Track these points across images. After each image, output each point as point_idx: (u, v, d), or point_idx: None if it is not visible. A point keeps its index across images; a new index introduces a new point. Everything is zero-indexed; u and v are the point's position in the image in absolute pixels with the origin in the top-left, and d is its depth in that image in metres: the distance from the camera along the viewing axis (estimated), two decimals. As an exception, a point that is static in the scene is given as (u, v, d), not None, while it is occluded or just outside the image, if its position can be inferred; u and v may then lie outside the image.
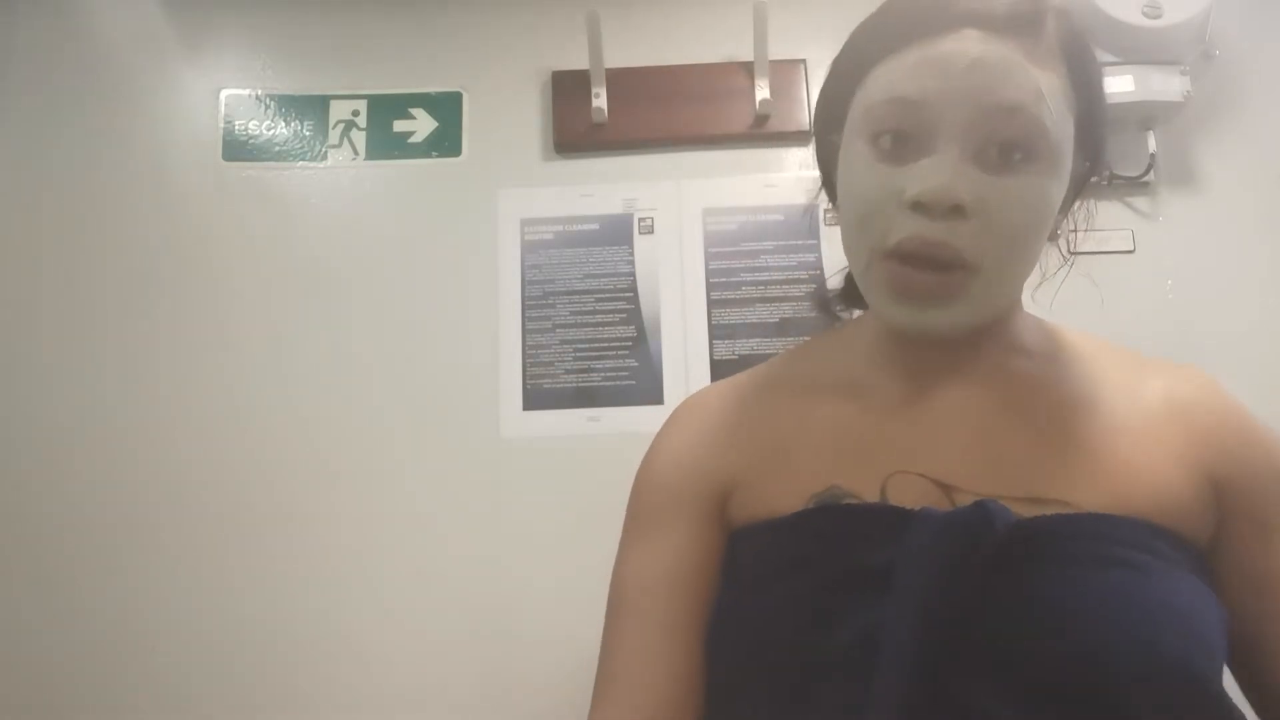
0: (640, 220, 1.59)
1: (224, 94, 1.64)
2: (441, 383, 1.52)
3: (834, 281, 0.81)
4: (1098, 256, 1.58)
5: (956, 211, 0.59)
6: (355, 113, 1.63)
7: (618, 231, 1.58)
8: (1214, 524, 0.64)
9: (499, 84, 1.65)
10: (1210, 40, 1.53)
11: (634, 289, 1.56)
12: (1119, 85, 1.51)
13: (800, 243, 1.57)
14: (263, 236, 1.58)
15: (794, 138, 1.62)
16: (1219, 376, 1.66)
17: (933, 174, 0.59)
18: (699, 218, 1.58)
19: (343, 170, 1.62)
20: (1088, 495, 0.60)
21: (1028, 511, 0.58)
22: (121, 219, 1.57)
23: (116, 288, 1.55)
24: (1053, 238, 0.71)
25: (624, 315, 1.55)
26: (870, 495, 0.62)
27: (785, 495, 0.64)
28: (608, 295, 1.55)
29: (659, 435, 0.77)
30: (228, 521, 1.46)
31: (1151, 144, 1.55)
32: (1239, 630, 0.62)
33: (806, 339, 0.81)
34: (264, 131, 1.62)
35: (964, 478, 0.62)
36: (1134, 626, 0.54)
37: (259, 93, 1.64)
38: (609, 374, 1.52)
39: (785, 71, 1.63)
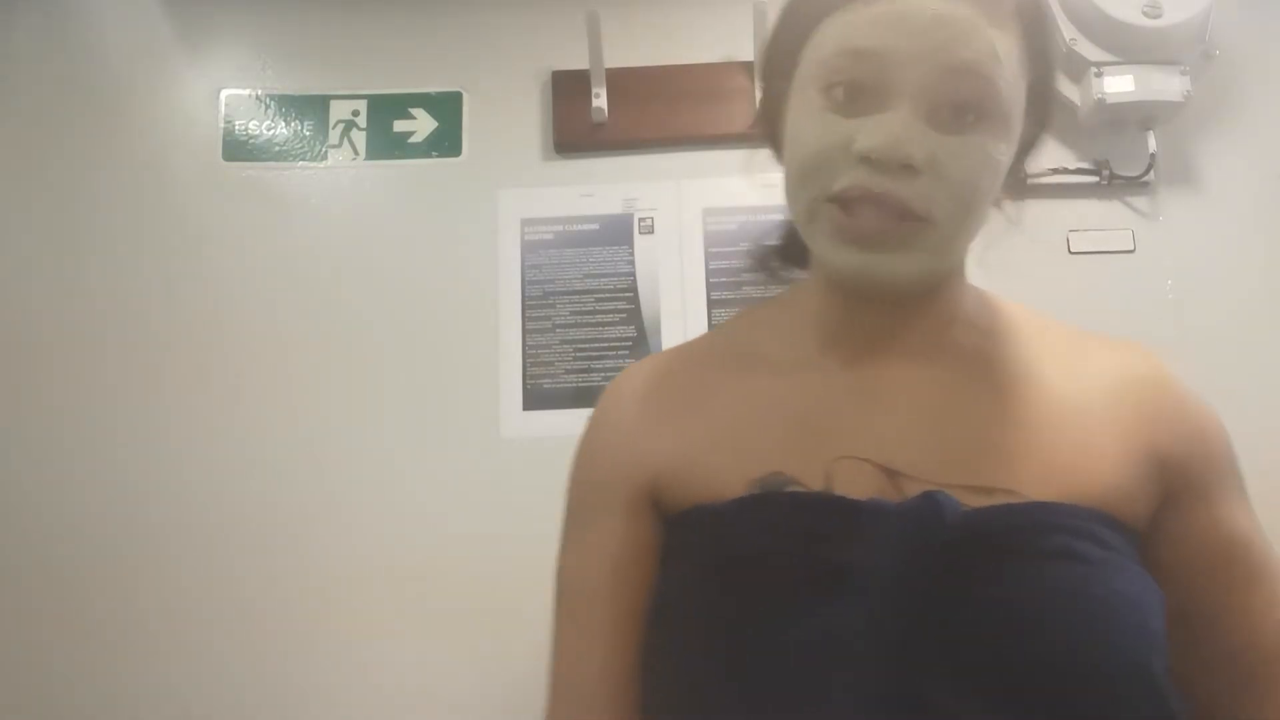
0: (640, 220, 1.59)
1: (224, 94, 1.64)
2: (441, 382, 1.52)
3: (773, 239, 0.79)
4: (1098, 256, 1.58)
5: (906, 169, 0.58)
6: (355, 113, 1.63)
7: (618, 231, 1.58)
8: (1156, 503, 0.64)
9: (499, 84, 1.65)
10: (1210, 40, 1.53)
11: (634, 289, 1.56)
12: (1119, 85, 1.51)
13: (800, 243, 1.57)
14: (263, 236, 1.58)
15: (794, 138, 1.62)
16: (1218, 376, 1.67)
17: (884, 129, 0.58)
18: (699, 218, 1.58)
19: (343, 170, 1.62)
20: (1035, 483, 0.59)
21: (975, 501, 0.57)
22: (121, 219, 1.57)
23: (116, 287, 1.55)
24: (996, 201, 0.70)
25: (624, 315, 1.55)
26: (814, 481, 0.60)
27: (724, 479, 0.62)
28: (608, 295, 1.55)
29: (590, 421, 0.74)
30: (226, 521, 1.46)
31: (1151, 144, 1.55)
32: (1189, 601, 0.62)
33: (744, 309, 0.78)
34: (264, 131, 1.62)
35: (910, 464, 0.60)
36: (1085, 620, 0.54)
37: (259, 93, 1.64)
38: (609, 374, 1.52)
39: (785, 71, 1.63)
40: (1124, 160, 1.58)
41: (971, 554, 0.55)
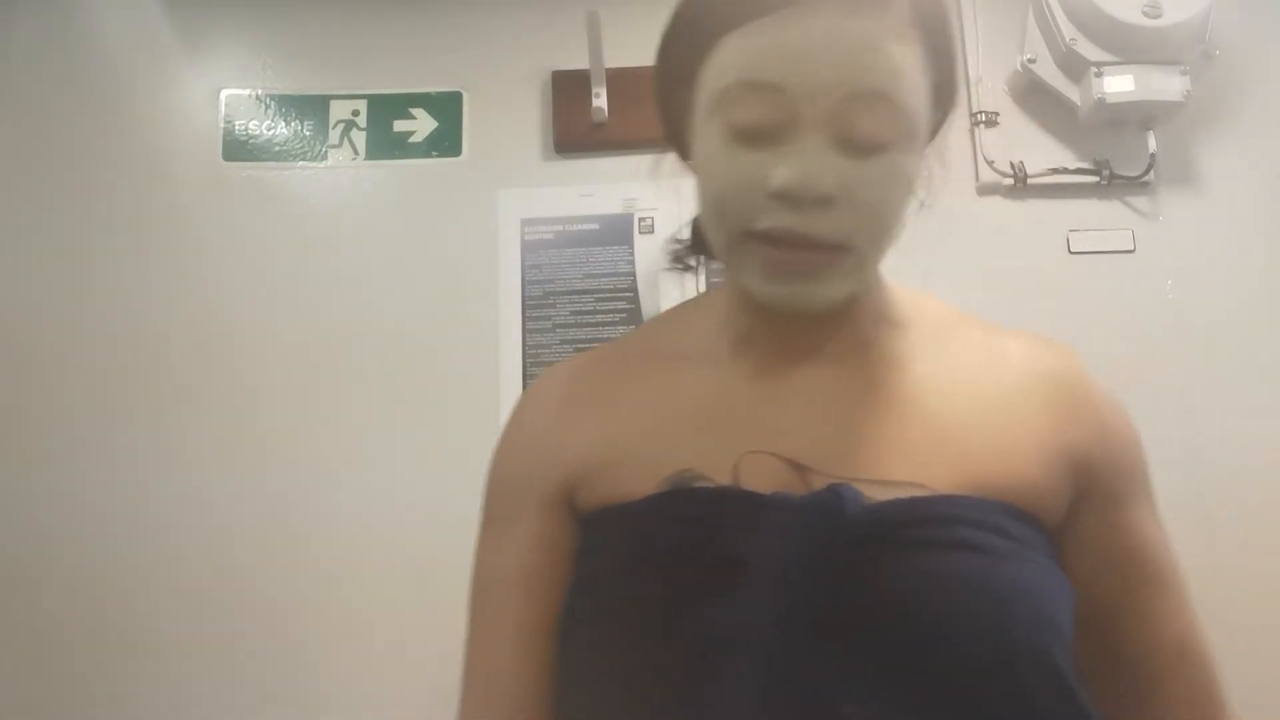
0: (640, 220, 1.59)
1: (224, 94, 1.64)
2: (442, 382, 1.52)
3: (684, 232, 0.80)
4: (1098, 256, 1.58)
5: (823, 201, 0.58)
6: (355, 113, 1.63)
7: (618, 231, 1.58)
8: (1069, 500, 0.64)
9: (499, 84, 1.65)
10: (1210, 40, 1.53)
11: (634, 289, 1.56)
12: (1119, 85, 1.51)
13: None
14: (263, 236, 1.58)
15: (794, 138, 1.62)
16: (1218, 377, 1.67)
17: (796, 164, 0.57)
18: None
19: (343, 170, 1.62)
20: (941, 476, 0.59)
21: (881, 494, 0.57)
22: (122, 219, 1.57)
23: (117, 287, 1.55)
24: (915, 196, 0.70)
25: (624, 315, 1.55)
26: (722, 477, 0.60)
27: (636, 478, 0.62)
28: (608, 295, 1.55)
29: (508, 423, 0.74)
30: (227, 517, 1.46)
31: (1151, 144, 1.55)
32: (1094, 604, 0.62)
33: (662, 312, 0.79)
34: (264, 131, 1.62)
35: (817, 458, 0.60)
36: (985, 612, 0.54)
37: (259, 93, 1.64)
38: (609, 374, 1.52)
39: (785, 71, 1.63)
40: (1124, 160, 1.58)
41: (872, 546, 0.55)
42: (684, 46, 0.65)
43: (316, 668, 1.41)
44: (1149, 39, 1.49)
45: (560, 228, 1.58)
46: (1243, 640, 1.44)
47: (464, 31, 1.66)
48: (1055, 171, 1.59)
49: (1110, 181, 1.59)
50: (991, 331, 0.71)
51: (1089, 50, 1.52)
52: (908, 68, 0.59)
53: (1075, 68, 1.55)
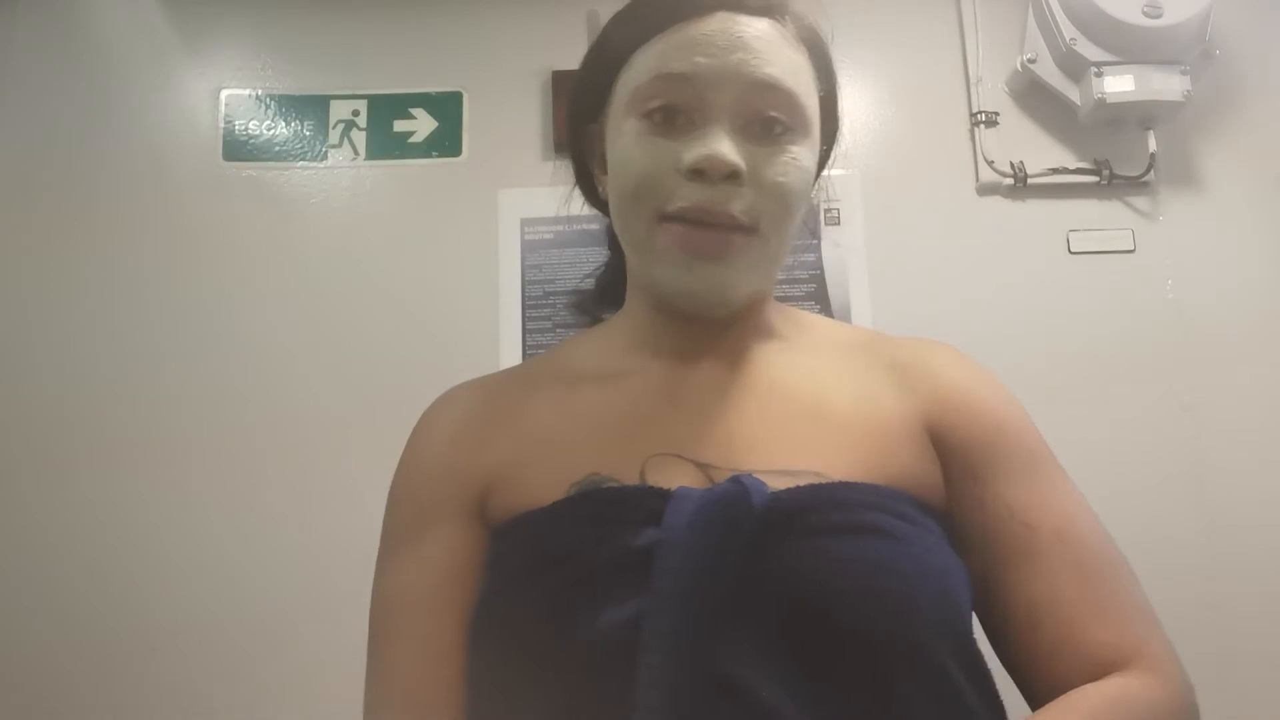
0: (640, 220, 1.58)
1: (224, 94, 1.64)
2: (442, 382, 1.51)
3: (587, 284, 0.84)
4: (1098, 256, 1.58)
5: (733, 177, 0.62)
6: (355, 113, 1.63)
7: (618, 231, 1.58)
8: (942, 480, 0.66)
9: (499, 84, 1.65)
10: (1210, 40, 1.53)
11: (634, 289, 1.56)
12: (1119, 85, 1.51)
13: (800, 242, 1.57)
14: (263, 236, 1.58)
15: (794, 138, 1.62)
16: (1219, 375, 1.67)
17: (707, 144, 0.62)
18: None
19: (343, 170, 1.62)
20: (837, 465, 0.61)
21: (782, 484, 0.59)
22: (121, 219, 1.57)
23: (116, 287, 1.55)
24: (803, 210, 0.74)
25: (624, 315, 1.55)
26: (630, 478, 0.62)
27: (545, 486, 0.63)
28: (608, 295, 1.55)
29: (410, 442, 0.75)
30: (225, 519, 1.46)
31: (1151, 144, 1.55)
32: (976, 582, 0.63)
33: (565, 340, 0.82)
34: (264, 131, 1.62)
35: (721, 456, 0.63)
36: (892, 593, 0.55)
37: (259, 93, 1.64)
38: (609, 374, 1.52)
39: (785, 71, 1.63)
40: (1124, 160, 1.58)
41: (778, 533, 0.57)
42: (599, 67, 0.70)
43: (318, 670, 1.41)
44: (1149, 39, 1.49)
45: (560, 228, 1.58)
46: (1243, 640, 1.44)
47: (464, 31, 1.66)
48: (1055, 171, 1.59)
49: (1110, 181, 1.59)
50: (870, 335, 0.76)
51: (1089, 50, 1.52)
52: (802, 70, 0.66)
53: (1075, 68, 1.55)
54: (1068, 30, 1.53)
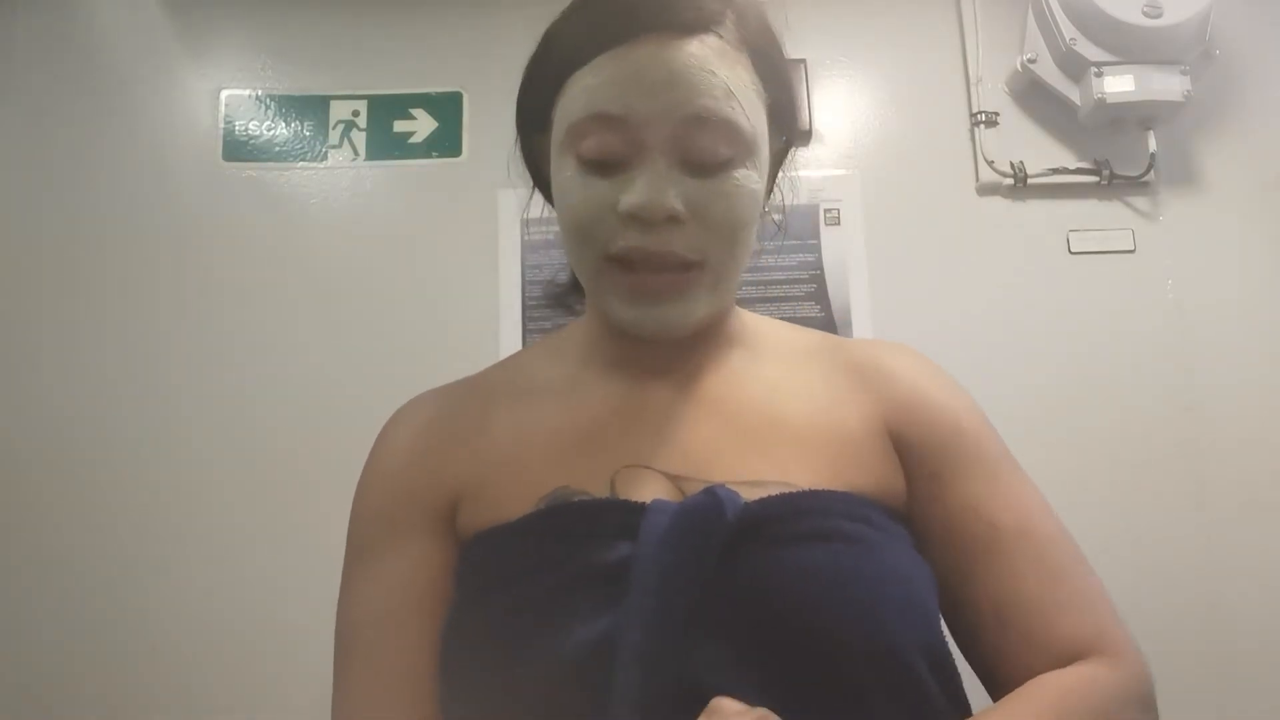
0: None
1: (224, 94, 1.64)
2: (442, 383, 1.51)
3: (564, 276, 0.84)
4: (1098, 256, 1.58)
5: (672, 220, 0.62)
6: (355, 113, 1.63)
7: (618, 231, 1.58)
8: (904, 482, 0.66)
9: (499, 84, 1.63)
10: (1210, 40, 1.53)
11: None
12: (1119, 85, 1.51)
13: (800, 243, 1.57)
14: (263, 237, 1.58)
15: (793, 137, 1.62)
16: (1219, 376, 1.67)
17: (644, 186, 0.61)
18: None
19: (343, 170, 1.62)
20: (803, 473, 0.62)
21: (753, 494, 0.59)
22: (122, 219, 1.57)
23: (116, 287, 1.55)
24: (760, 215, 0.74)
25: (624, 315, 1.54)
26: (600, 491, 0.62)
27: (514, 499, 0.63)
28: (608, 295, 1.55)
29: (370, 456, 0.75)
30: (225, 520, 1.46)
31: (1151, 144, 1.55)
32: (942, 584, 0.63)
33: (519, 350, 0.82)
34: (264, 132, 1.62)
35: (689, 468, 0.63)
36: (861, 600, 0.56)
37: (259, 93, 1.64)
38: (609, 374, 1.52)
39: (785, 71, 1.63)
40: (1124, 160, 1.58)
41: (751, 543, 0.57)
42: (536, 89, 0.70)
43: (318, 672, 1.41)
44: (1149, 39, 1.49)
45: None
46: (1243, 640, 1.44)
47: (464, 31, 1.66)
48: (1055, 171, 1.59)
49: (1110, 181, 1.59)
50: (830, 341, 0.76)
51: (1089, 50, 1.52)
52: (740, 88, 0.64)
53: (1075, 68, 1.55)
54: (1068, 30, 1.53)
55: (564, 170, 0.66)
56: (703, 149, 0.62)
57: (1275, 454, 1.50)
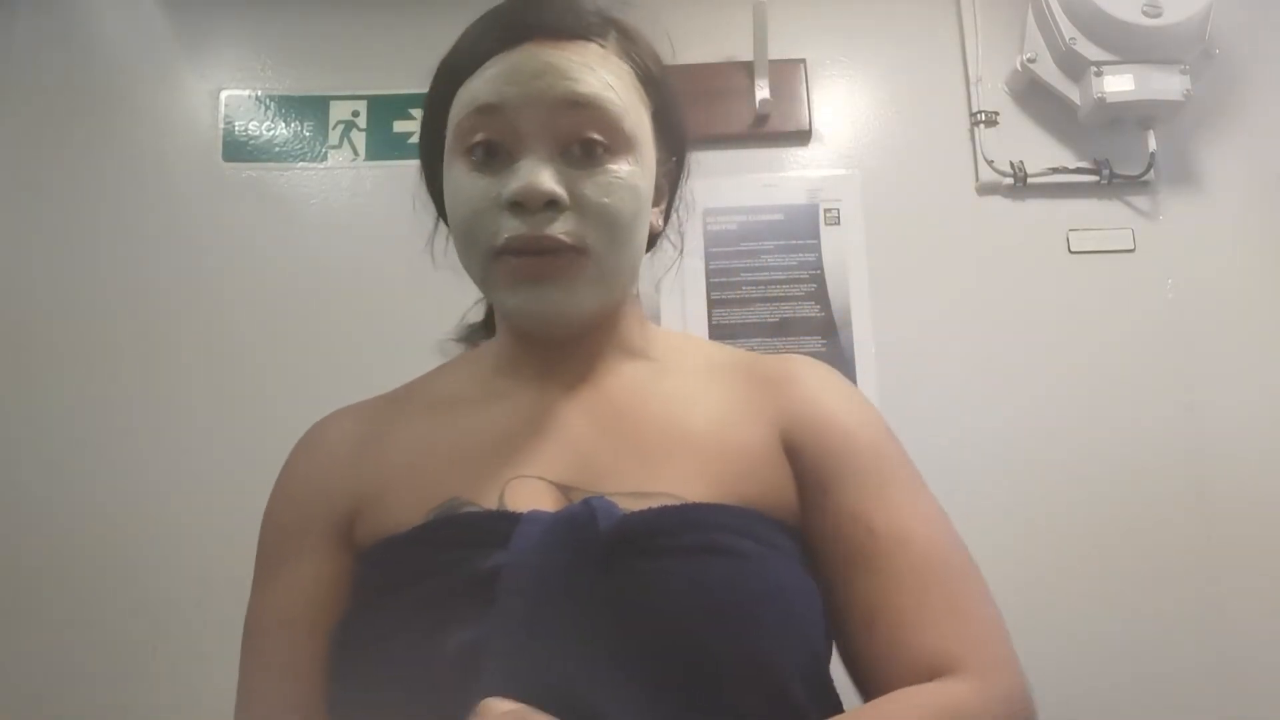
0: (640, 220, 1.59)
1: (224, 94, 1.64)
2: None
3: (473, 315, 0.87)
4: (1098, 256, 1.58)
5: (553, 205, 0.63)
6: (355, 113, 1.63)
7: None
8: (796, 492, 0.66)
9: (499, 84, 1.64)
10: (1210, 39, 1.54)
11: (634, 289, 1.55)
12: (1119, 84, 1.51)
13: (800, 242, 1.57)
14: (263, 237, 1.58)
15: (794, 137, 1.62)
16: (1218, 376, 1.66)
17: (524, 173, 0.63)
18: (699, 218, 1.58)
19: (343, 171, 1.62)
20: (693, 486, 0.62)
21: (635, 506, 0.59)
22: (122, 219, 1.57)
23: (116, 287, 1.55)
24: (657, 230, 0.76)
25: (624, 315, 1.54)
26: (489, 502, 0.63)
27: (407, 510, 0.64)
28: (608, 295, 1.55)
29: (284, 468, 0.78)
30: (225, 519, 1.46)
31: (1151, 143, 1.55)
32: (831, 596, 0.63)
33: (445, 362, 0.84)
34: (264, 132, 1.62)
35: (581, 479, 0.63)
36: (736, 614, 0.56)
37: (259, 93, 1.64)
38: (609, 374, 1.52)
39: (785, 71, 1.63)
40: (1124, 160, 1.58)
41: (625, 555, 0.57)
42: (431, 119, 0.73)
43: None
44: (1149, 38, 1.49)
45: (560, 228, 1.58)
46: (1243, 640, 1.44)
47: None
48: (1055, 171, 1.60)
49: (1110, 181, 1.59)
50: (730, 354, 0.76)
51: (1089, 50, 1.52)
52: (618, 84, 0.66)
53: (1075, 67, 1.55)
54: (1067, 30, 1.53)
55: (453, 174, 0.68)
56: (581, 138, 0.64)
57: (1275, 453, 1.50)
